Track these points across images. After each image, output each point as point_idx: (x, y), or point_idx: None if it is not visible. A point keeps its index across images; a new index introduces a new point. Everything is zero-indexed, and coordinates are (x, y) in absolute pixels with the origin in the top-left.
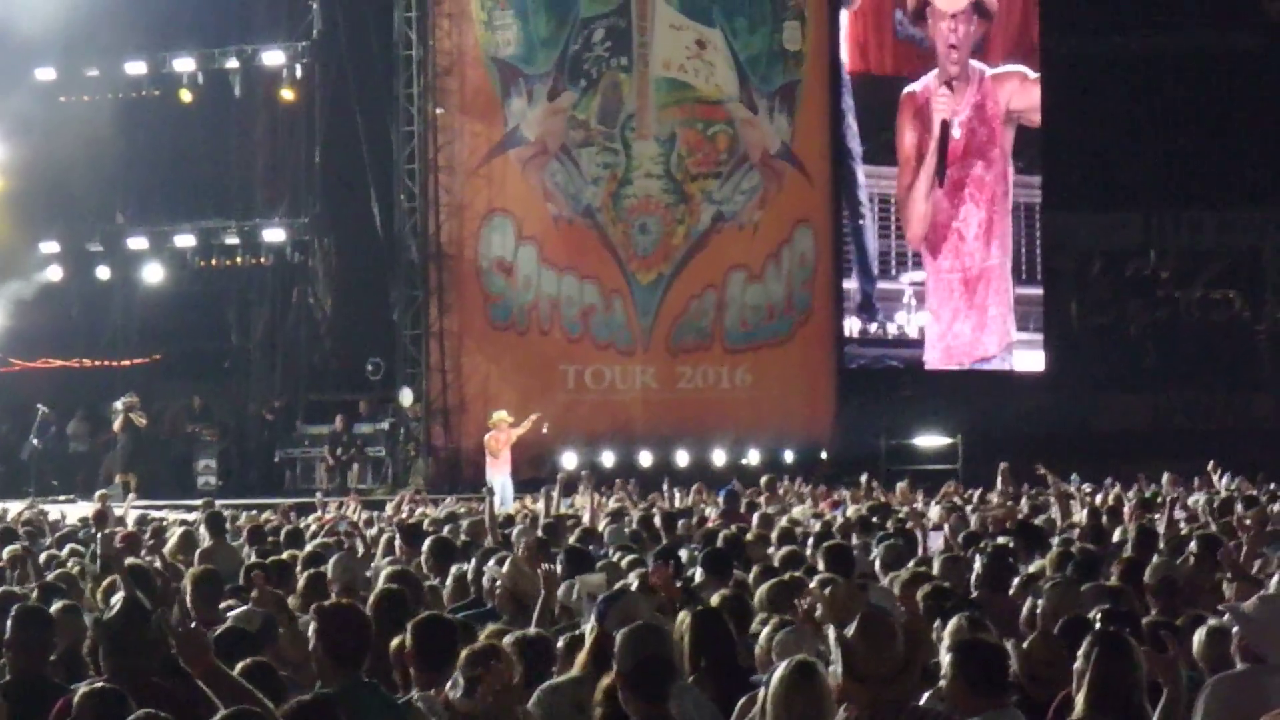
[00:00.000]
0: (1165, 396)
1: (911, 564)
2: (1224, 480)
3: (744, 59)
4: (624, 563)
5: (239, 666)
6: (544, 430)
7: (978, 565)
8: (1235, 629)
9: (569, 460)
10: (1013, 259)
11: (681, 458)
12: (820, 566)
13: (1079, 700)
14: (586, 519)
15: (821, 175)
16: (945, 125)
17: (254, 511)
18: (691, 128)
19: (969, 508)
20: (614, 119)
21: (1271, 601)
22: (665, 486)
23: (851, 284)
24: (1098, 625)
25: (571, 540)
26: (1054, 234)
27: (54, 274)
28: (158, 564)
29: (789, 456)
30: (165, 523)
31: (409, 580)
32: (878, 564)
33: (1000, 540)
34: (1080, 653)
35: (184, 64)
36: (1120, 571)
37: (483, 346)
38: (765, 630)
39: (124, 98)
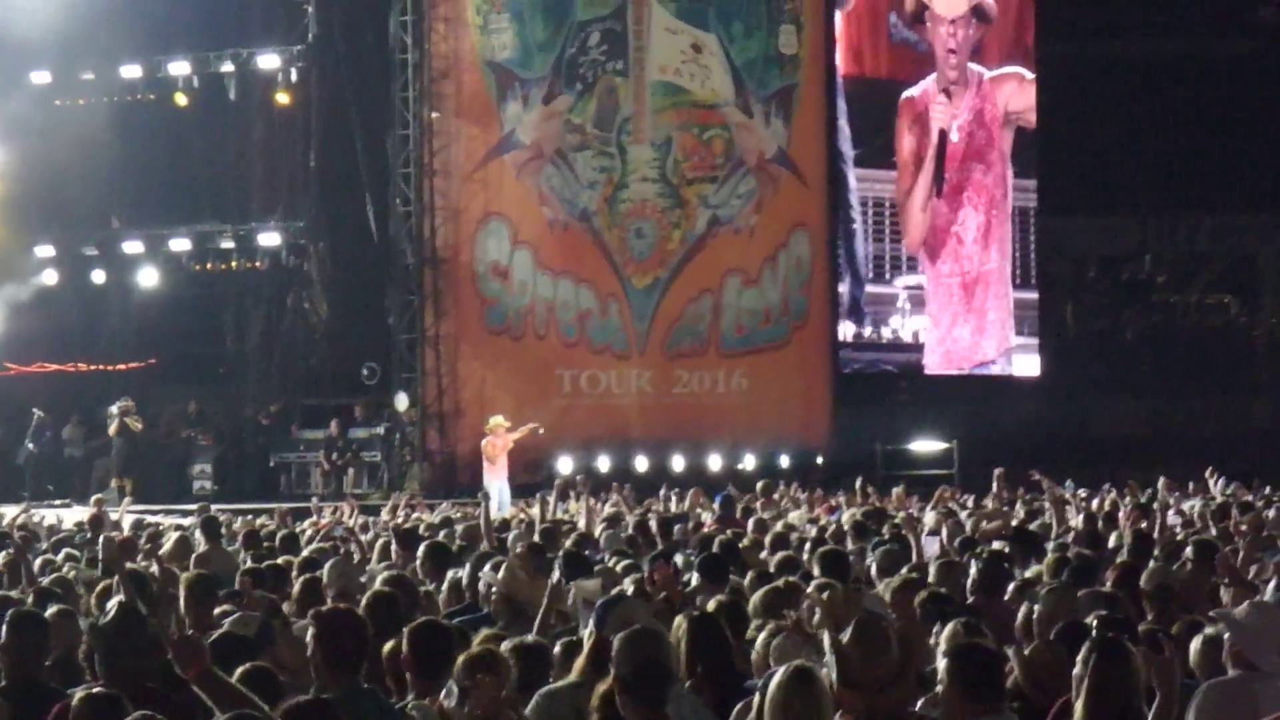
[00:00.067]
0: (1161, 401)
1: (905, 570)
2: (1219, 485)
3: (740, 63)
4: (619, 568)
5: (238, 671)
6: (540, 432)
7: (973, 570)
8: (1226, 635)
9: (565, 465)
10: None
11: (677, 463)
12: (816, 572)
13: (1078, 706)
14: (582, 524)
15: (818, 180)
16: (943, 134)
17: (249, 516)
18: (687, 132)
19: (964, 513)
20: (610, 123)
21: (1263, 608)
22: (663, 491)
23: (843, 288)
24: (1095, 631)
25: (567, 545)
26: (1050, 238)
27: (49, 278)
28: (153, 569)
29: (785, 461)
30: (161, 527)
31: (405, 585)
32: (874, 569)
33: (996, 546)
34: (1079, 659)
35: (179, 68)
36: (1115, 577)
37: (478, 351)
38: (762, 636)
39: (119, 101)
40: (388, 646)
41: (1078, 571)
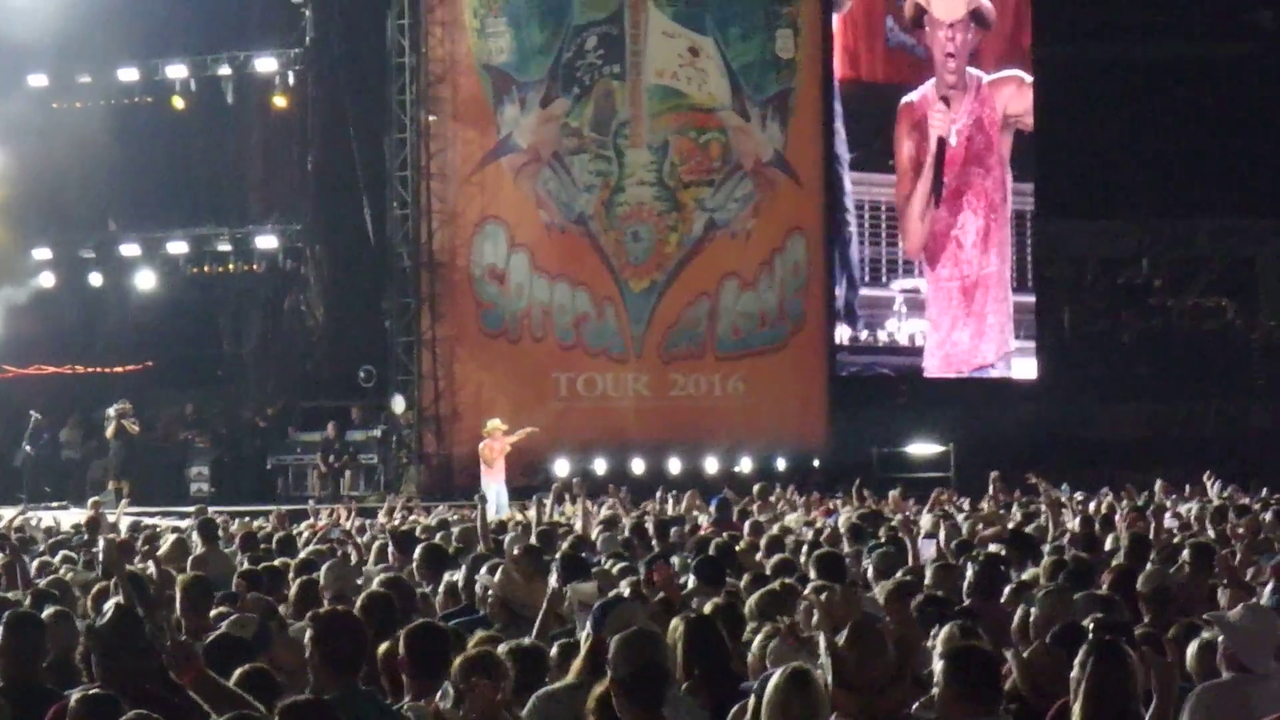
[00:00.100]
0: (1159, 404)
1: (900, 573)
2: (1216, 488)
3: (737, 67)
4: (615, 570)
5: (237, 673)
6: (535, 430)
7: (969, 573)
8: (1220, 638)
9: (562, 468)
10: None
11: (674, 466)
12: (812, 575)
13: (1075, 709)
14: (579, 526)
15: (815, 184)
16: (942, 142)
17: (246, 518)
18: (684, 135)
19: (961, 516)
20: (607, 127)
21: (1257, 611)
22: (660, 494)
23: (839, 291)
24: (1092, 634)
25: (565, 548)
26: (1047, 242)
27: (46, 280)
28: (151, 570)
29: (781, 464)
30: (158, 529)
31: (402, 587)
32: (870, 572)
33: (992, 548)
34: (1076, 661)
35: (176, 71)
36: (1111, 580)
37: (475, 354)
38: (758, 638)
39: (116, 104)
40: (383, 648)
41: (1074, 574)
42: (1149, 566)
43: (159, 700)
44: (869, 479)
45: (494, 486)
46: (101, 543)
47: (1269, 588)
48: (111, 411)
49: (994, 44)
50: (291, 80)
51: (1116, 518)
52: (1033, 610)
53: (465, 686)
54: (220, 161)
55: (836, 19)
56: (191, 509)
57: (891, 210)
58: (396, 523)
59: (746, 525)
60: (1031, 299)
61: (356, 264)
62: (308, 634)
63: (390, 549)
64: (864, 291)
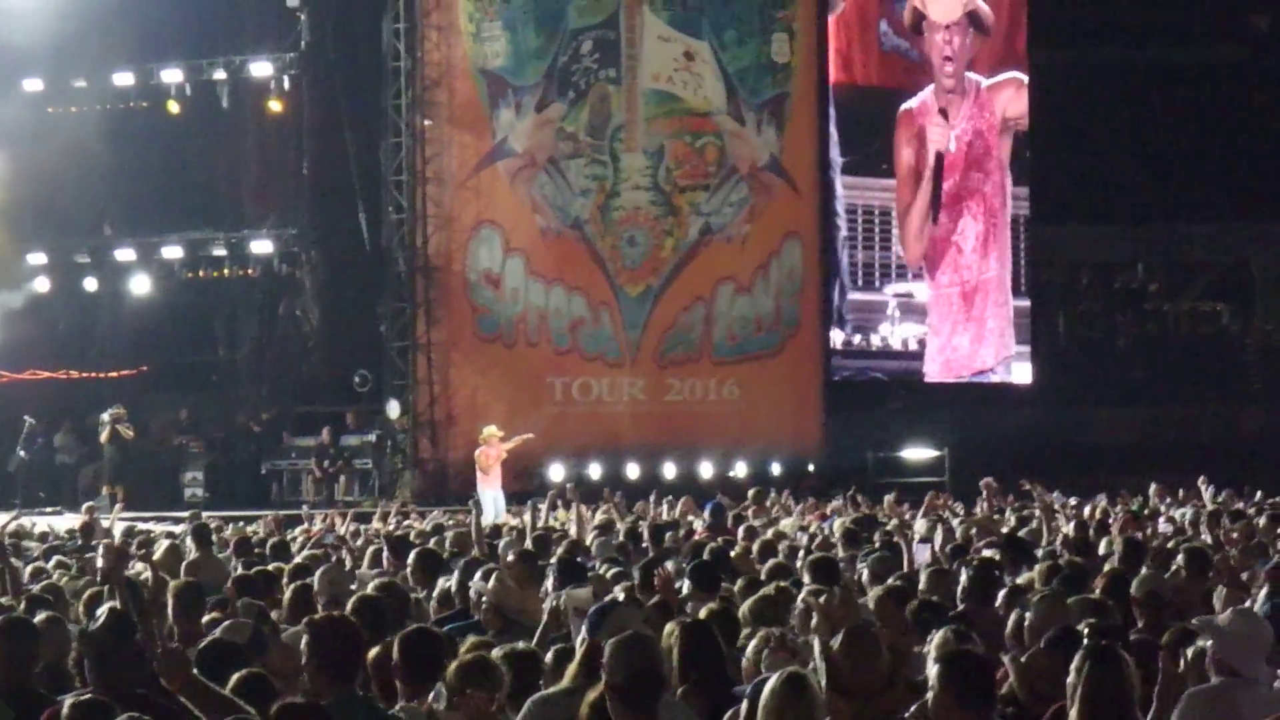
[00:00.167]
0: (1153, 409)
1: (892, 578)
2: (1210, 492)
3: (732, 71)
4: (609, 575)
5: (234, 678)
6: (531, 437)
7: (964, 578)
8: (1210, 643)
9: (556, 473)
10: None
11: (669, 470)
12: (806, 579)
13: (1072, 714)
14: (573, 531)
15: (810, 188)
16: (940, 156)
17: (241, 523)
18: (680, 140)
19: (956, 521)
20: (602, 131)
21: (1246, 616)
22: (652, 498)
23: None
24: (1088, 639)
25: (561, 553)
26: (1042, 246)
27: (41, 285)
28: (145, 575)
29: (776, 469)
30: (152, 534)
31: (396, 592)
32: (865, 577)
33: (987, 553)
34: (1072, 666)
35: (172, 75)
36: (1105, 584)
37: (470, 359)
38: (753, 643)
39: (112, 109)
40: (373, 652)
41: (1069, 579)
42: (1143, 571)
43: (152, 705)
44: (864, 484)
45: (490, 493)
46: (100, 548)
47: (1263, 592)
48: (106, 416)
49: (990, 47)
50: (287, 84)
51: (1111, 522)
52: (1027, 615)
53: (460, 697)
54: (215, 166)
55: (830, 20)
56: (186, 514)
57: (885, 215)
58: (391, 528)
59: (741, 530)
60: (1026, 304)
61: (352, 269)
62: (304, 639)
63: (385, 554)
64: (857, 296)
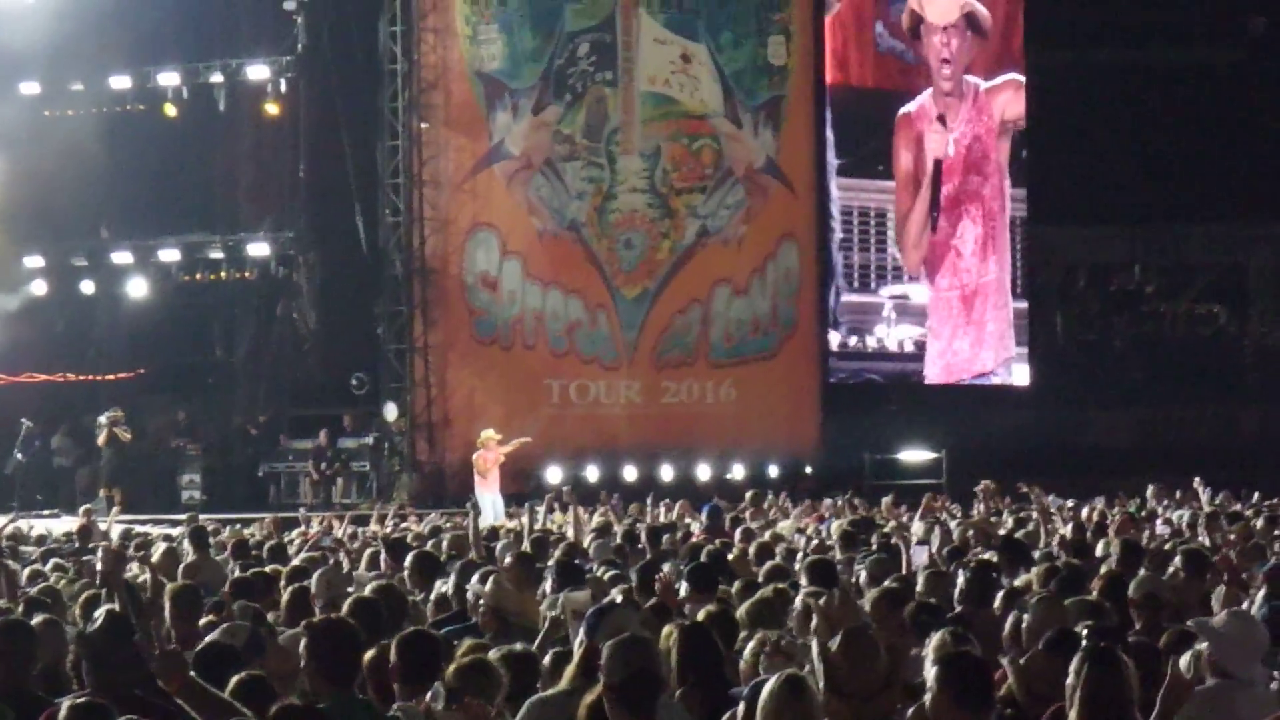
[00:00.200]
0: (1150, 411)
1: (888, 580)
2: (1207, 494)
3: (729, 73)
4: (606, 578)
5: (233, 681)
6: (528, 440)
7: (961, 580)
8: (1205, 645)
9: (554, 475)
10: None
11: (666, 472)
12: (803, 581)
13: (1071, 716)
14: (571, 534)
15: (807, 190)
16: (938, 165)
17: (238, 526)
18: (676, 142)
19: (953, 522)
20: (599, 133)
21: (1241, 617)
22: (649, 500)
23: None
24: (1086, 641)
25: (559, 556)
26: (1039, 248)
27: (38, 288)
28: (143, 578)
29: (773, 471)
30: (150, 537)
31: (394, 595)
32: (864, 578)
33: (984, 555)
34: (1071, 669)
35: (168, 78)
36: (1101, 586)
37: (467, 361)
38: (751, 645)
39: (108, 112)
40: (369, 655)
41: (1067, 581)
42: (1141, 573)
43: (150, 707)
44: (861, 486)
45: (489, 496)
46: (100, 551)
47: (1261, 594)
48: (103, 419)
49: (987, 48)
50: (283, 87)
51: (1108, 524)
52: (1025, 617)
53: (459, 704)
54: (212, 169)
55: (825, 23)
56: (183, 517)
57: (881, 216)
58: (388, 530)
59: (738, 532)
60: (1023, 305)
61: (349, 271)
62: (303, 642)
63: (383, 556)
64: (851, 297)
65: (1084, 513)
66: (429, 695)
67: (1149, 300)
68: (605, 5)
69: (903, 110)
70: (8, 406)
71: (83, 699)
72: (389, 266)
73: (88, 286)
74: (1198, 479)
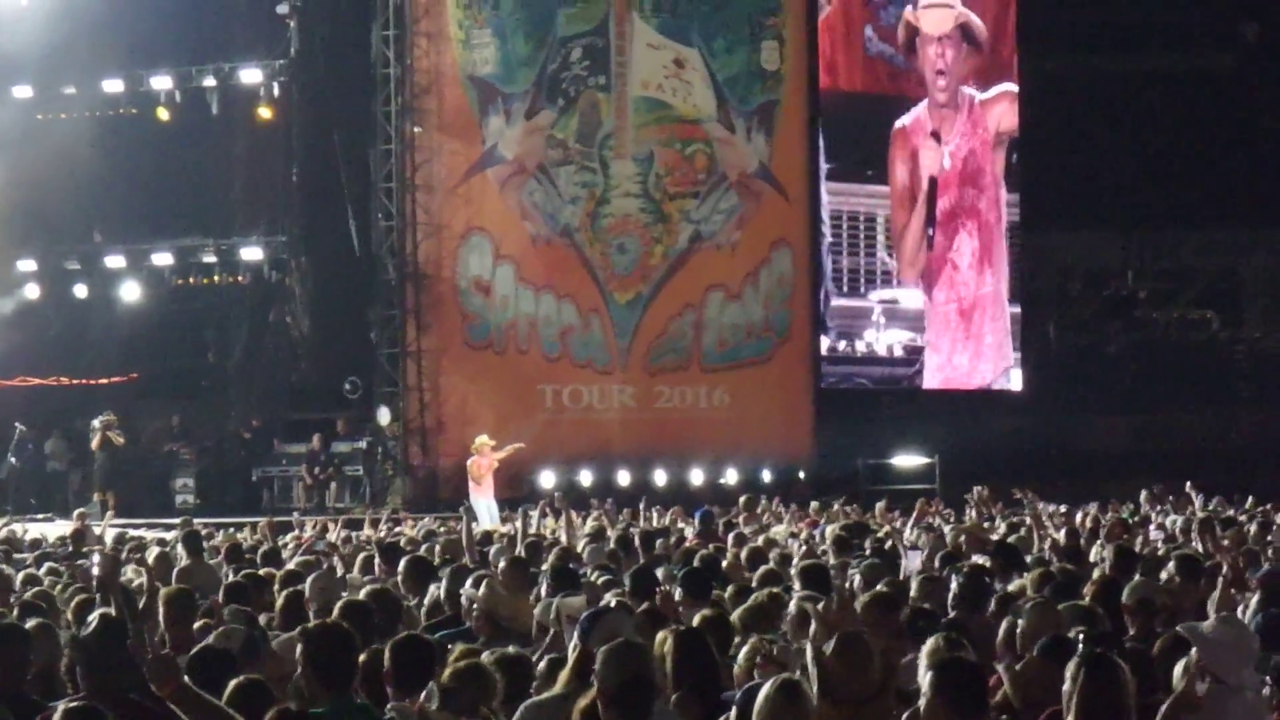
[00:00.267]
0: (1144, 416)
1: (880, 584)
2: (1200, 500)
3: (722, 79)
4: (600, 582)
5: (231, 685)
6: (522, 446)
7: (954, 585)
8: (1194, 650)
9: (547, 480)
10: None
11: (659, 477)
12: (796, 586)
13: None
14: (564, 539)
15: (800, 195)
16: (934, 181)
17: (231, 530)
18: (669, 147)
19: (947, 527)
20: (592, 138)
21: (1230, 623)
22: (642, 506)
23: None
24: (1082, 646)
25: (554, 560)
26: (1032, 253)
27: (31, 292)
28: (138, 582)
29: (767, 476)
30: (144, 541)
31: (389, 599)
32: (858, 583)
33: (978, 560)
34: (1068, 675)
35: (161, 82)
36: (1095, 591)
37: (460, 366)
38: (744, 650)
39: (101, 116)
40: (360, 659)
41: (1061, 586)
42: (1135, 578)
43: (144, 711)
44: (855, 491)
45: (483, 502)
46: (97, 556)
47: (1255, 599)
48: (97, 423)
49: (981, 59)
50: (276, 92)
51: (1101, 529)
52: (1019, 622)
53: (452, 687)
54: (205, 173)
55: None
56: (177, 521)
57: (870, 220)
58: (382, 534)
59: (730, 537)
60: (1017, 311)
61: (342, 276)
62: (299, 647)
63: (377, 561)
64: (841, 302)
65: (1078, 518)
66: (423, 695)
67: (1142, 305)
68: (598, 10)
69: (898, 124)
70: (1, 410)
71: (77, 703)
72: (382, 271)
73: (81, 290)
74: (1190, 483)
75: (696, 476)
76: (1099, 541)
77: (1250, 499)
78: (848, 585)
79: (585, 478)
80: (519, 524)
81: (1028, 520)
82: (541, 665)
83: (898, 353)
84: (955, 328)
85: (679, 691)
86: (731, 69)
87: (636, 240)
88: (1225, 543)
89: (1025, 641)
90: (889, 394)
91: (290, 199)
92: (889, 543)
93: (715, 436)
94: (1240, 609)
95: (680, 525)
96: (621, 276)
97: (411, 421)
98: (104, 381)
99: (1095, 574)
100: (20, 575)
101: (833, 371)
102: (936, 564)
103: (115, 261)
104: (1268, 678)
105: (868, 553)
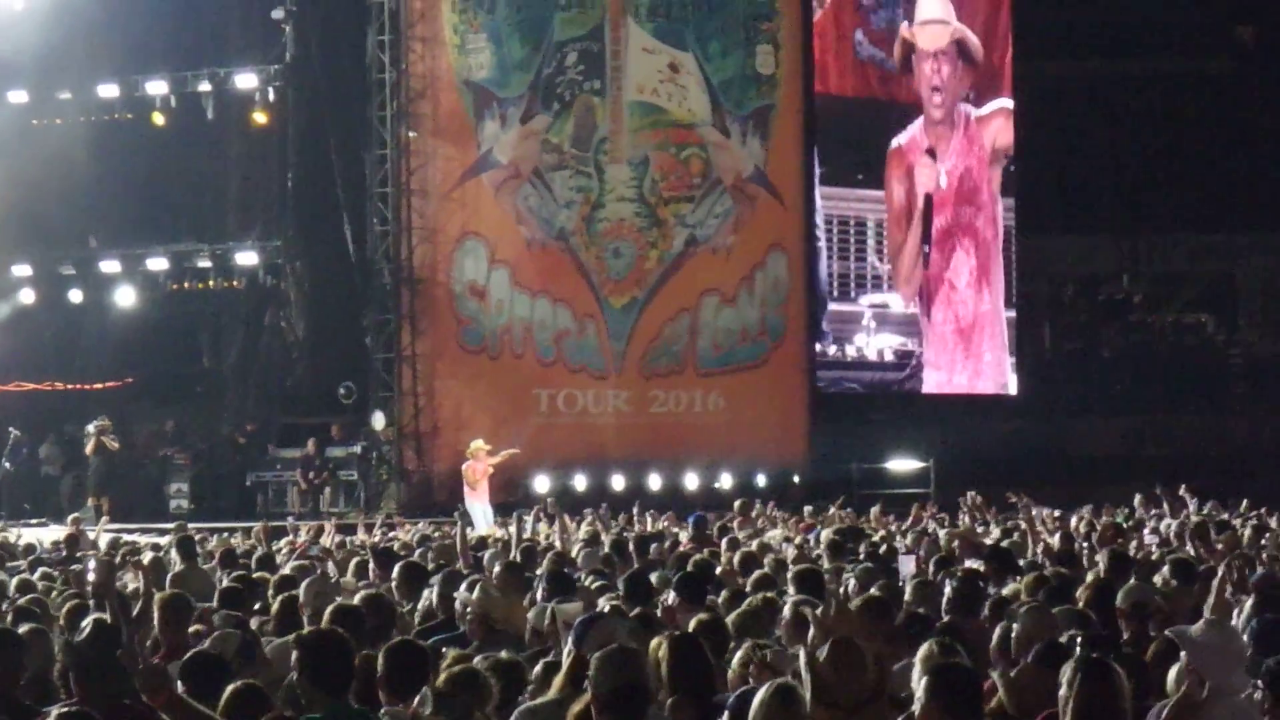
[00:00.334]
0: (1138, 420)
1: (872, 589)
2: (1194, 504)
3: (717, 83)
4: (594, 587)
5: (229, 691)
6: (517, 452)
7: (948, 589)
8: (1183, 654)
9: (542, 484)
10: None
11: (654, 482)
12: (791, 591)
13: None
14: (558, 543)
15: (795, 200)
16: (929, 199)
17: (226, 535)
18: (664, 151)
19: (942, 531)
20: (587, 143)
21: (1219, 627)
22: (636, 510)
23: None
24: (1079, 651)
25: (548, 566)
26: (1027, 258)
27: (26, 297)
28: (133, 587)
29: (762, 480)
30: (138, 546)
31: (383, 604)
32: (853, 587)
33: (971, 564)
34: (1064, 680)
35: (156, 87)
36: (1089, 596)
37: (455, 370)
38: (739, 655)
39: (96, 121)
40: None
41: (1055, 590)
42: (1130, 582)
43: (138, 716)
44: (850, 495)
45: (479, 507)
46: (93, 562)
47: (1250, 601)
48: (91, 428)
49: (977, 72)
50: (272, 96)
51: (1095, 534)
52: (1014, 627)
53: (448, 691)
54: (200, 177)
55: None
56: (171, 526)
57: (860, 225)
58: (376, 539)
59: (724, 542)
60: (1012, 315)
61: (337, 280)
62: (294, 653)
63: (371, 565)
64: (831, 306)
65: (1072, 522)
66: (417, 701)
67: (1137, 310)
68: (594, 14)
69: (894, 143)
70: None
71: (71, 709)
72: (377, 276)
73: (76, 295)
74: (1185, 487)
75: (691, 481)
76: (1093, 546)
77: (1245, 502)
78: (842, 590)
79: (580, 482)
80: (513, 529)
81: (1022, 524)
82: (537, 669)
83: (888, 357)
84: (954, 348)
85: (674, 697)
86: (726, 73)
87: (631, 244)
88: (1219, 547)
89: (1020, 646)
90: (883, 398)
91: (285, 204)
92: (884, 547)
93: (710, 441)
94: (1235, 613)
95: (674, 530)
96: (616, 281)
97: (406, 426)
98: (98, 386)
99: (1089, 578)
100: (14, 581)
101: (823, 376)
102: (931, 568)
103: (110, 266)
104: (1258, 681)
105: (862, 557)
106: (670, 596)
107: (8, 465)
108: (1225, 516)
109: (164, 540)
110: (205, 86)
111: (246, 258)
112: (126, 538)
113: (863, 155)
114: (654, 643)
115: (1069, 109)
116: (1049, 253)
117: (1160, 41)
